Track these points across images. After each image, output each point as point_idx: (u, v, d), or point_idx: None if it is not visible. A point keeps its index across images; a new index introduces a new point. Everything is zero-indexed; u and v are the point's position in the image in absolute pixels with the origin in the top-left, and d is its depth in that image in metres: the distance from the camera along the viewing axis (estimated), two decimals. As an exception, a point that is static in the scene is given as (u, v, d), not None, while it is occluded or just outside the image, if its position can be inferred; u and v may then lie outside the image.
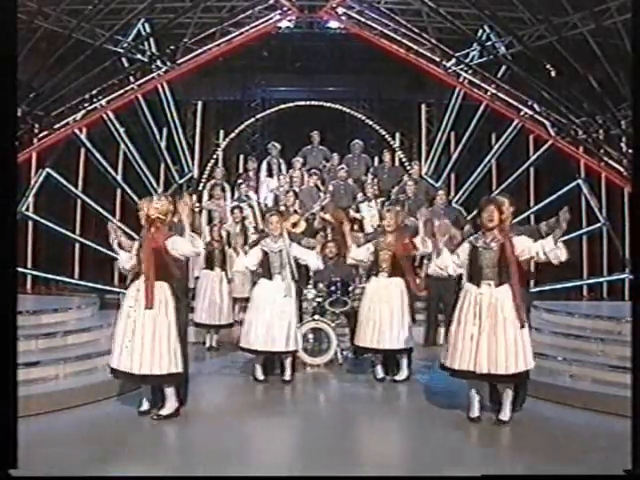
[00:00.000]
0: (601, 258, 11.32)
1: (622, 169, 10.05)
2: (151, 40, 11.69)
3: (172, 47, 11.56)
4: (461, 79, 11.80)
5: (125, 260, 5.52)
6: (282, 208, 10.37)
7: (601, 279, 11.14)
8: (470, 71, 11.66)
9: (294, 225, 7.53)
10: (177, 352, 5.30)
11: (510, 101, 11.26)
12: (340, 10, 11.38)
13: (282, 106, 12.98)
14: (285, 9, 11.26)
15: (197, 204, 11.05)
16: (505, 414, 5.32)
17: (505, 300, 5.22)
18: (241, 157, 13.39)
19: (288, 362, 6.90)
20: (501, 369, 5.14)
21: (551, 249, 5.17)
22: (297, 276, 6.94)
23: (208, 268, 8.67)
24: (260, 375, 6.87)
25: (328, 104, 12.77)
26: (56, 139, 10.45)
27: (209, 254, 8.62)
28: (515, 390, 5.41)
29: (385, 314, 6.72)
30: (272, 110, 13.12)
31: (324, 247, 8.92)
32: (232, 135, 12.78)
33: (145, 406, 5.49)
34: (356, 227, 10.72)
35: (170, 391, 5.40)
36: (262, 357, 6.88)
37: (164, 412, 5.37)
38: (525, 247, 5.27)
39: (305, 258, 6.86)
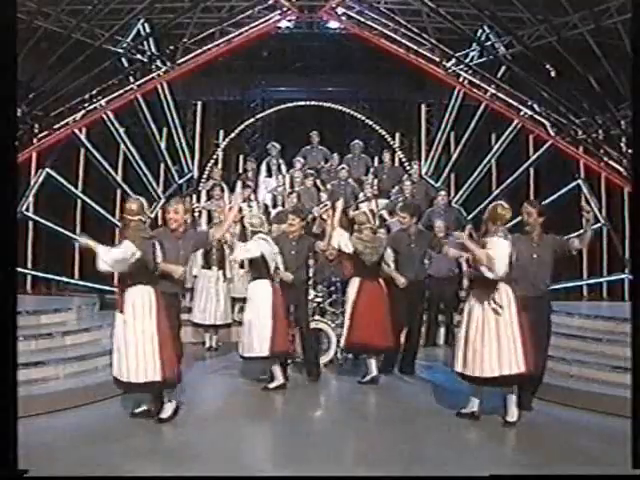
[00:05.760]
0: (601, 258, 11.31)
1: (622, 169, 10.04)
2: (151, 40, 11.69)
3: (172, 47, 11.56)
4: (461, 79, 11.79)
5: None
6: (280, 208, 10.38)
7: (601, 279, 11.13)
8: (470, 71, 11.65)
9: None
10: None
11: (510, 101, 11.26)
12: (340, 10, 11.37)
13: (282, 106, 12.96)
14: (285, 9, 11.25)
15: (196, 204, 11.07)
16: (512, 415, 5.36)
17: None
18: (241, 157, 13.39)
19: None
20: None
21: None
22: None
23: (206, 267, 8.65)
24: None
25: (328, 104, 12.75)
26: (56, 139, 10.44)
27: (207, 253, 8.61)
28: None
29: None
30: (272, 110, 13.11)
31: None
32: (232, 135, 12.75)
33: (141, 408, 5.48)
34: (356, 226, 10.70)
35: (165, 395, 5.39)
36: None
37: (163, 415, 5.37)
38: None
39: None
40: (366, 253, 6.86)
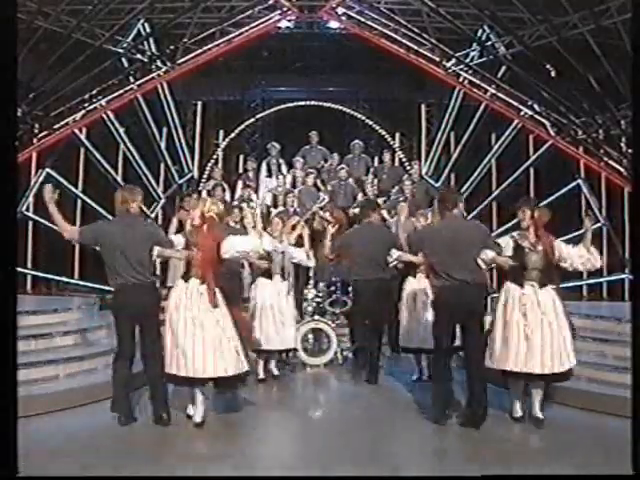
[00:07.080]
0: (601, 258, 11.29)
1: (622, 169, 10.05)
2: (151, 40, 11.69)
3: (172, 47, 11.56)
4: (461, 79, 11.79)
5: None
6: (281, 209, 10.37)
7: (601, 279, 11.12)
8: (470, 71, 11.65)
9: (293, 228, 7.52)
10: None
11: (510, 101, 11.26)
12: (340, 10, 11.37)
13: (282, 106, 12.96)
14: (285, 9, 11.25)
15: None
16: (539, 411, 5.40)
17: (547, 301, 5.32)
18: (241, 157, 13.39)
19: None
20: (548, 369, 5.25)
21: (584, 258, 5.49)
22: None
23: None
24: (262, 374, 6.93)
25: (328, 104, 12.74)
26: (56, 139, 10.45)
27: None
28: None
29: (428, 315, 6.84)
30: (272, 110, 13.10)
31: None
32: (232, 135, 12.75)
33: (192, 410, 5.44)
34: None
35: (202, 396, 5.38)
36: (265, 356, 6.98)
37: (198, 419, 5.33)
38: (563, 253, 5.46)
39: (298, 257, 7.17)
40: None
